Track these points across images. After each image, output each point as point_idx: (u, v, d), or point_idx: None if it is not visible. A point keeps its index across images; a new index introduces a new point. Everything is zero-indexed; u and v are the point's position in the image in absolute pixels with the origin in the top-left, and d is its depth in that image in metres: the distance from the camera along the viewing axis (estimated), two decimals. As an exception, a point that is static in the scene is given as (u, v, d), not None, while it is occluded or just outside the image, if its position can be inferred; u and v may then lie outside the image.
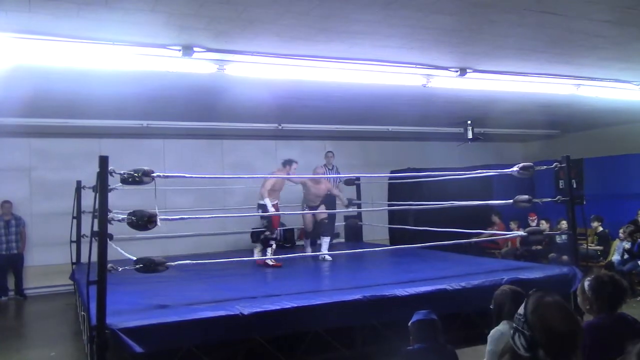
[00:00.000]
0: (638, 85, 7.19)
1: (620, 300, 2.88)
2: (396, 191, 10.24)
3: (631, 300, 7.09)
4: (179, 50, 4.81)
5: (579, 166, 10.09)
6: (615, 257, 8.28)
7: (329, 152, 9.05)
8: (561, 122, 11.06)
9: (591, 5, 4.24)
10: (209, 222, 9.09)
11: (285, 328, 4.52)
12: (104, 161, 4.11)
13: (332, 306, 4.66)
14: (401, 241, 9.51)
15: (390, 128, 10.60)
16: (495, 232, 7.97)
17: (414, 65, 5.82)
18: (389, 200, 10.35)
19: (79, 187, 8.09)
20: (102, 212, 4.06)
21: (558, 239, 8.85)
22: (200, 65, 5.29)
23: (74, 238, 8.10)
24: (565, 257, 7.86)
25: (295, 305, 4.54)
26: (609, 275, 3.02)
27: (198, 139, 10.59)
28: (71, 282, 7.94)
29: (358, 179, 9.50)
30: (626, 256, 8.05)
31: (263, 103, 7.67)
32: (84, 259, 6.20)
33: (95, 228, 4.07)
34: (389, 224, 10.46)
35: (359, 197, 9.63)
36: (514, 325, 1.99)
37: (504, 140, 12.99)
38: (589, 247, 8.26)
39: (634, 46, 5.46)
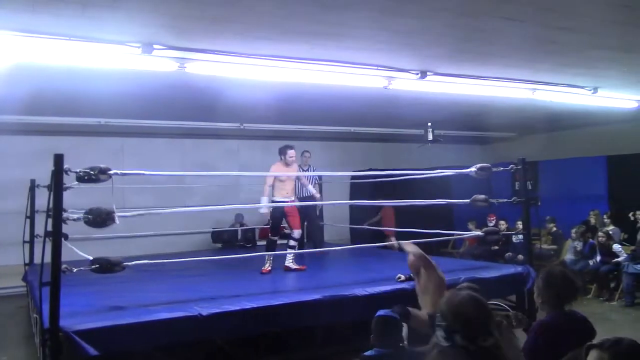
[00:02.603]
0: (590, 90, 7.44)
1: (570, 294, 2.97)
2: (358, 191, 10.32)
3: (582, 298, 7.35)
4: (139, 47, 4.72)
5: (534, 168, 10.37)
6: (568, 257, 8.56)
7: (305, 151, 8.55)
8: (518, 125, 11.36)
9: (547, 13, 4.37)
10: (169, 222, 8.97)
11: (244, 329, 4.51)
12: (58, 159, 4.02)
13: (292, 306, 4.67)
14: (361, 240, 9.58)
15: (353, 129, 10.67)
16: (453, 232, 8.10)
17: (376, 67, 5.87)
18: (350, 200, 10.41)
19: (32, 186, 7.89)
20: (56, 211, 3.97)
21: (514, 239, 9.09)
22: (160, 63, 5.20)
23: (27, 238, 7.88)
24: (520, 257, 8.09)
25: (255, 305, 4.53)
26: (560, 269, 3.13)
27: (159, 138, 10.43)
28: (24, 284, 7.72)
29: (320, 178, 9.51)
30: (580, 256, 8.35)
31: (225, 102, 7.60)
32: (38, 259, 6.03)
33: (50, 228, 3.97)
34: (350, 223, 10.53)
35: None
36: (436, 322, 2.15)
37: (464, 143, 13.24)
38: (542, 247, 8.52)
39: (587, 53, 5.65)
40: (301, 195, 7.96)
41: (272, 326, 4.67)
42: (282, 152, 6.81)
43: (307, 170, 8.44)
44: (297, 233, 6.96)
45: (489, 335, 2.11)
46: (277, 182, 6.76)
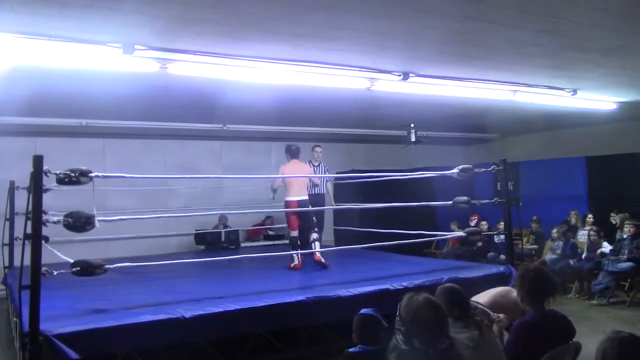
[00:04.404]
0: (570, 92, 7.54)
1: (545, 289, 3.01)
2: (341, 193, 10.33)
3: (562, 297, 7.45)
4: (120, 47, 4.68)
5: (515, 169, 10.47)
6: (548, 256, 8.65)
7: (316, 146, 8.28)
8: (500, 126, 11.47)
9: (526, 15, 4.42)
10: (151, 224, 8.89)
11: (228, 331, 4.49)
12: (38, 161, 3.97)
13: (276, 308, 4.66)
14: (346, 242, 9.60)
15: (336, 130, 10.68)
16: (435, 233, 8.15)
17: (359, 69, 5.89)
18: (334, 202, 10.42)
19: (12, 187, 7.82)
20: (35, 214, 3.91)
21: (496, 239, 9.18)
22: (141, 64, 5.16)
23: (7, 241, 7.80)
24: (503, 256, 8.17)
25: (238, 307, 4.52)
26: (535, 265, 3.20)
27: (140, 139, 10.33)
28: (3, 287, 7.61)
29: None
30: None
31: (206, 103, 7.57)
32: (18, 262, 5.98)
33: (29, 230, 3.92)
34: (334, 225, 10.53)
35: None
36: (395, 326, 2.27)
37: (446, 144, 13.33)
38: (524, 246, 8.61)
39: (566, 55, 5.72)
40: (312, 193, 7.67)
41: (256, 328, 4.66)
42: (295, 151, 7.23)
43: (318, 166, 8.25)
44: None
45: (445, 338, 2.28)
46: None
